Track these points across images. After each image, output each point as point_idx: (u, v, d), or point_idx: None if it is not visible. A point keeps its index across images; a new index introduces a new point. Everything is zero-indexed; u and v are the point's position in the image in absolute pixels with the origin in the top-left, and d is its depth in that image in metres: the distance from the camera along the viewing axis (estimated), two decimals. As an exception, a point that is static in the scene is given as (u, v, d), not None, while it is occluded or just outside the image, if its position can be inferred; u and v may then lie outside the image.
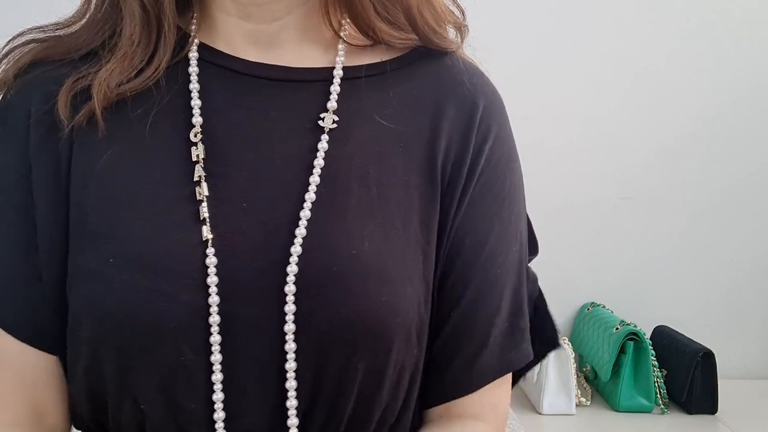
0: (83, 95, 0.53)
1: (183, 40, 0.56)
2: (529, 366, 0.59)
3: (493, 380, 0.56)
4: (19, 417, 0.53)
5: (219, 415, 0.49)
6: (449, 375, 0.55)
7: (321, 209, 0.51)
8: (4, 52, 0.56)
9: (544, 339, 0.60)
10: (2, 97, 0.55)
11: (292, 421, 0.50)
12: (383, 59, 0.57)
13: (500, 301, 0.56)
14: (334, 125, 0.54)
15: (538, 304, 0.62)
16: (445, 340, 0.55)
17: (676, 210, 1.47)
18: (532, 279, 0.61)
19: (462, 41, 0.60)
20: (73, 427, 0.57)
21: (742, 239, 1.48)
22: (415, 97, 0.57)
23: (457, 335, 0.55)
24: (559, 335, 0.61)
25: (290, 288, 0.49)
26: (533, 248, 0.62)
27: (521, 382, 1.39)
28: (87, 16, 0.56)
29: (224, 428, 0.50)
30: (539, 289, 0.62)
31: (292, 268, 0.49)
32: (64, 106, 0.52)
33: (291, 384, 0.49)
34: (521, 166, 0.61)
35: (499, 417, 0.57)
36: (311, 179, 0.52)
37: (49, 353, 0.54)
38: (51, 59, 0.55)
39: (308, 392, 0.50)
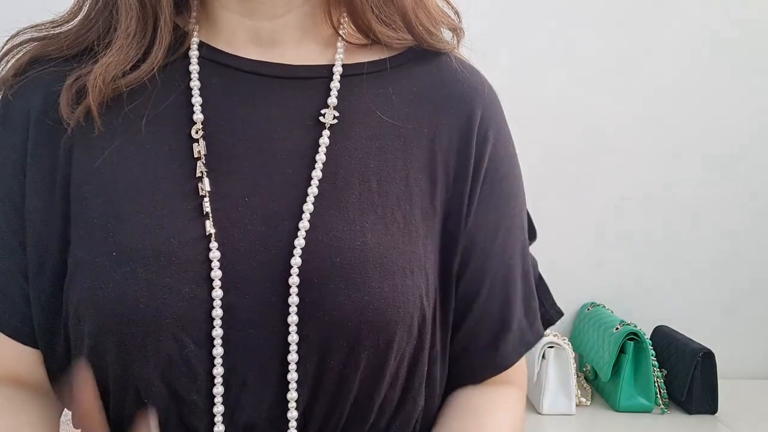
0: (82, 93, 0.53)
1: (183, 39, 0.56)
2: None
3: (517, 360, 0.60)
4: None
5: (219, 408, 0.50)
6: (475, 360, 0.58)
7: (323, 203, 0.52)
8: (3, 51, 0.56)
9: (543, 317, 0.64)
10: (2, 96, 0.55)
11: (292, 414, 0.50)
12: (382, 57, 0.58)
13: (515, 287, 0.59)
14: (335, 121, 0.55)
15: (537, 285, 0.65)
16: (468, 330, 0.58)
17: (676, 210, 1.47)
18: (533, 263, 0.64)
19: (458, 43, 0.61)
20: (72, 428, 0.57)
21: (742, 239, 1.48)
22: (414, 93, 0.57)
23: (480, 325, 0.58)
24: (556, 310, 0.66)
25: (294, 280, 0.49)
26: (532, 234, 0.65)
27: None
28: (83, 12, 0.56)
29: (224, 421, 0.50)
30: (539, 273, 0.66)
31: (296, 261, 0.50)
32: (66, 105, 0.52)
33: (292, 376, 0.50)
34: (522, 166, 0.63)
35: (524, 379, 0.63)
36: (313, 174, 0.53)
37: (32, 347, 0.54)
38: (49, 57, 0.55)
39: (310, 384, 0.50)
